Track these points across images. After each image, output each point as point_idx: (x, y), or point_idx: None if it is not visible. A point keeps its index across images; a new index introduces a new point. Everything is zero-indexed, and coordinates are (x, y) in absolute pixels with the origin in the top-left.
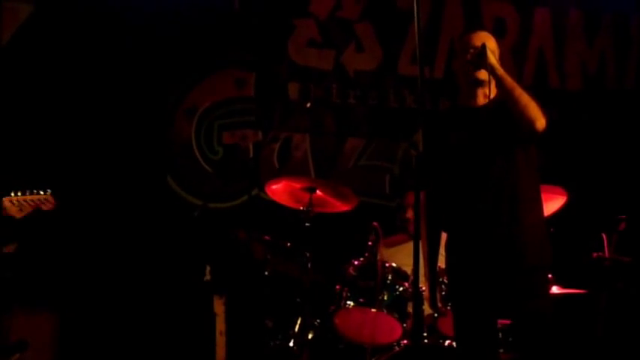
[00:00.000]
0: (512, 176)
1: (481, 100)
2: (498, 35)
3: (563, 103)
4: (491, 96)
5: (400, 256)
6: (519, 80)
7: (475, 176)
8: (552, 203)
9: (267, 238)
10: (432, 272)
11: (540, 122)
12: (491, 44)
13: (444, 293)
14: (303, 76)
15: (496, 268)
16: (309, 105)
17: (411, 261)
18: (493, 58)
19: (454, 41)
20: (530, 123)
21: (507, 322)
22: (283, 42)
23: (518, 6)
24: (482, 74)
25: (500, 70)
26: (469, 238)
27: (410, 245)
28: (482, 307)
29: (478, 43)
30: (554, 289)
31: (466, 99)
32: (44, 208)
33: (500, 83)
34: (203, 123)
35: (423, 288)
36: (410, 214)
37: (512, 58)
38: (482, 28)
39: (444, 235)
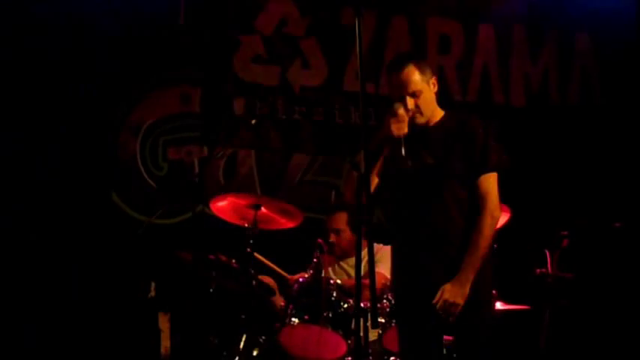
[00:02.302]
0: (460, 195)
1: (430, 122)
2: (443, 52)
3: (507, 119)
4: (436, 119)
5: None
6: (464, 96)
7: (423, 193)
8: None
9: (211, 257)
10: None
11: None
12: (415, 76)
13: (387, 309)
14: (248, 91)
15: (440, 284)
16: (254, 122)
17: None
18: (455, 303)
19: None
20: None
21: (451, 338)
22: (229, 58)
23: (463, 22)
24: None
25: (468, 274)
26: (414, 254)
27: (337, 267)
28: (426, 323)
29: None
30: (498, 305)
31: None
32: None
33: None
34: (148, 139)
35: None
36: (333, 238)
37: (457, 74)
38: (405, 61)
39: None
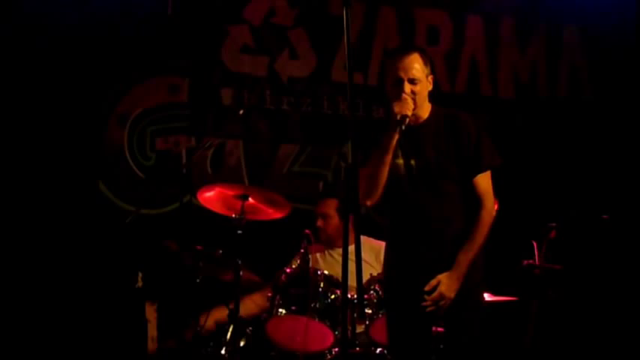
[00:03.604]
0: (452, 191)
1: (419, 119)
2: (432, 43)
3: (495, 111)
4: (426, 115)
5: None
6: (452, 87)
7: (417, 190)
8: None
9: (198, 247)
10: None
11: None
12: (418, 64)
13: (375, 301)
14: (236, 82)
15: (430, 277)
16: (241, 112)
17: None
18: (448, 297)
19: (383, 54)
20: None
21: (441, 329)
22: (217, 48)
23: (452, 14)
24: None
25: (463, 269)
26: (407, 247)
27: (327, 255)
28: (416, 315)
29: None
30: (485, 297)
31: None
32: None
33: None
34: (136, 129)
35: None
36: (320, 222)
37: (445, 65)
38: (411, 48)
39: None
